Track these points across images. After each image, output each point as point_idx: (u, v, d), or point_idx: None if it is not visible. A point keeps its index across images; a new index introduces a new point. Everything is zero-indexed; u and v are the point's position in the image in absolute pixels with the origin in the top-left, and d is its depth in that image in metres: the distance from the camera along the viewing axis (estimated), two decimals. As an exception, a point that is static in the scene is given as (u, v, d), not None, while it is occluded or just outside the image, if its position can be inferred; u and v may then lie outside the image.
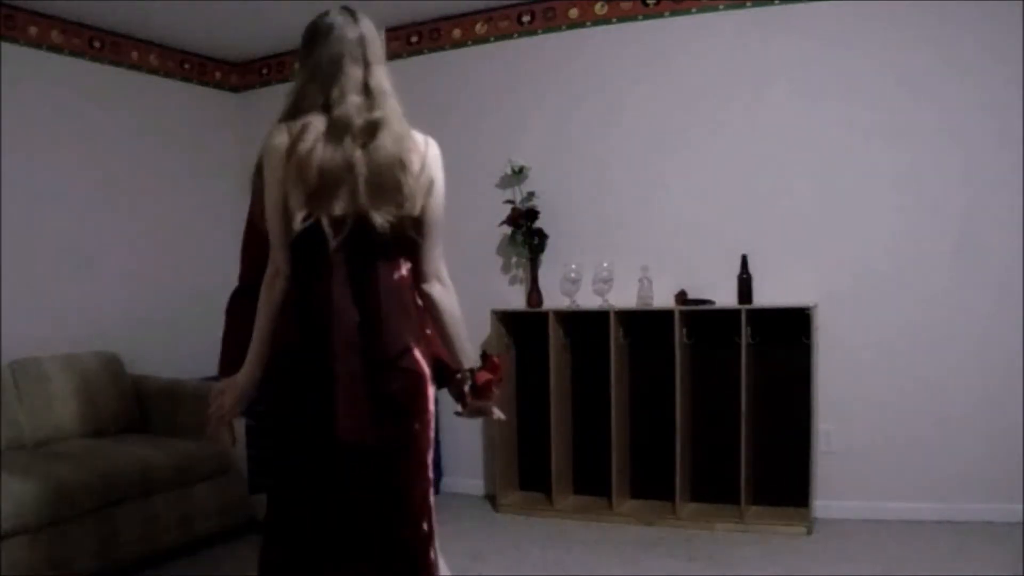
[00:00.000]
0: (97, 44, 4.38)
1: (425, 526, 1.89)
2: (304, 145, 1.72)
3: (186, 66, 4.87)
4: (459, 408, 2.05)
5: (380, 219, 1.74)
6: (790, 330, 3.76)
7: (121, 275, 4.43)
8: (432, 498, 1.93)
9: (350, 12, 1.86)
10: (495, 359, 1.99)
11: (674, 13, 4.09)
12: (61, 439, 3.60)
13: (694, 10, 4.05)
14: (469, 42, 4.51)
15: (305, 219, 1.73)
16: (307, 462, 1.81)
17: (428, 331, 1.98)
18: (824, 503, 3.80)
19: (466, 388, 1.97)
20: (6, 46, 3.93)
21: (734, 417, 3.72)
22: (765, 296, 3.86)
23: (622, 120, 4.21)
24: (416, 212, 1.81)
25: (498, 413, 2.05)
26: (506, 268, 4.46)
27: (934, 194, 3.71)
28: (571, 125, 4.31)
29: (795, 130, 3.89)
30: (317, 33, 1.82)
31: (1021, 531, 3.40)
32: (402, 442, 1.84)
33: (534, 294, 4.26)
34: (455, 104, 4.52)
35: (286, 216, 1.75)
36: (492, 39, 4.46)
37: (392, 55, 4.67)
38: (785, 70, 3.90)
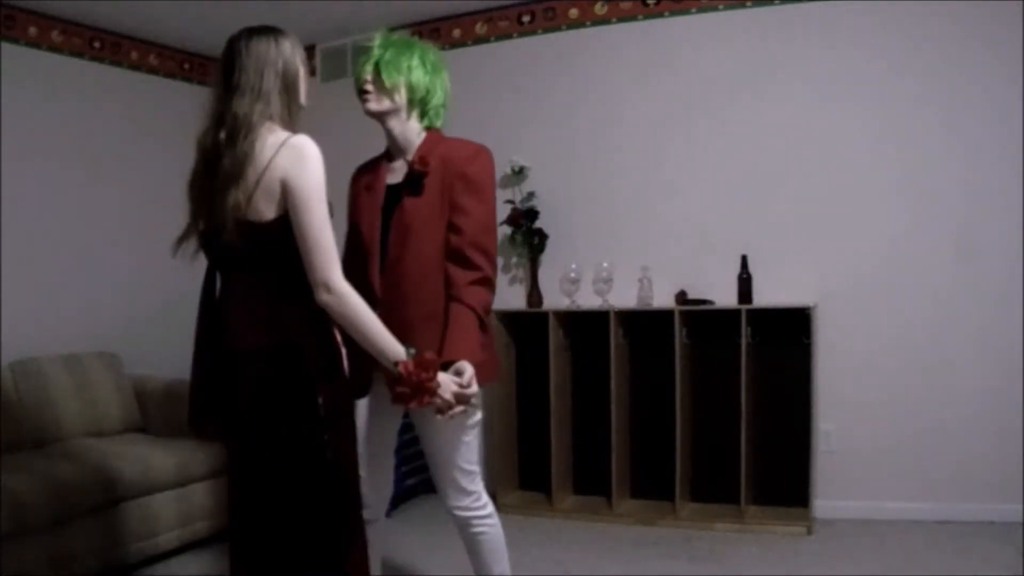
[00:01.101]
0: (97, 44, 4.38)
1: (314, 537, 1.83)
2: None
3: (186, 66, 4.87)
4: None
5: (224, 235, 1.82)
6: (790, 330, 3.76)
7: (121, 275, 4.43)
8: (338, 508, 1.85)
9: (239, 34, 1.91)
10: (402, 365, 1.85)
11: (674, 13, 4.09)
12: (61, 439, 3.59)
13: (694, 10, 4.05)
14: (469, 42, 4.51)
15: (187, 231, 1.92)
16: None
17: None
18: (824, 503, 3.80)
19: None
20: (6, 46, 3.92)
21: (734, 417, 3.72)
22: (765, 296, 3.86)
23: (622, 120, 4.21)
24: (262, 218, 1.80)
25: (449, 410, 1.92)
26: (506, 268, 4.46)
27: (934, 194, 3.71)
28: (571, 125, 4.31)
29: (795, 130, 3.89)
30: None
31: (1021, 531, 3.40)
32: (263, 444, 1.85)
33: (534, 294, 4.26)
34: (455, 104, 4.47)
35: None
36: (492, 39, 4.46)
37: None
38: (785, 70, 3.90)
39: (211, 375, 1.91)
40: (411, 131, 2.21)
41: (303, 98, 1.93)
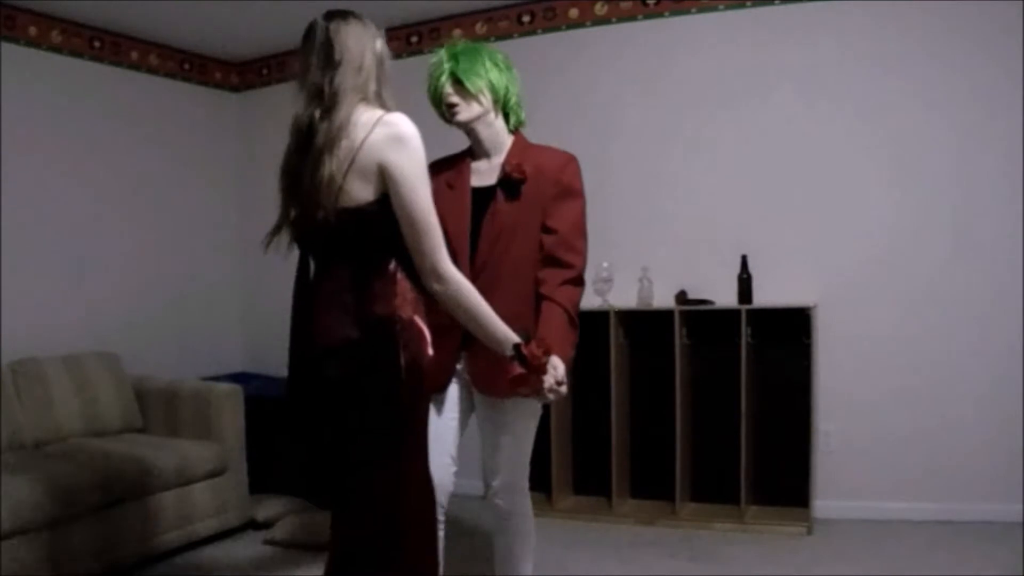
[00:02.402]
0: (97, 44, 4.38)
1: (379, 521, 1.82)
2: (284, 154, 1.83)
3: (186, 66, 4.87)
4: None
5: (318, 217, 1.75)
6: (790, 330, 3.76)
7: (121, 275, 4.43)
8: (405, 497, 1.84)
9: (331, 15, 1.85)
10: (525, 347, 1.86)
11: (674, 13, 4.09)
12: (61, 439, 3.59)
13: (694, 10, 4.05)
14: (469, 42, 4.51)
15: (280, 222, 1.83)
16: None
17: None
18: (824, 503, 3.80)
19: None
20: (6, 46, 3.93)
21: (734, 417, 3.72)
22: (765, 296, 3.86)
23: (622, 120, 4.21)
24: (358, 201, 1.73)
25: (551, 394, 1.97)
26: (506, 268, 4.45)
27: (933, 194, 3.71)
28: (571, 125, 4.29)
29: (795, 130, 3.89)
30: (302, 39, 1.86)
31: (1021, 531, 3.40)
32: (342, 436, 1.84)
33: (534, 294, 4.26)
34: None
35: None
36: (492, 39, 4.45)
37: (392, 55, 4.68)
38: (784, 70, 3.90)
39: (308, 372, 1.85)
40: (498, 132, 2.27)
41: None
